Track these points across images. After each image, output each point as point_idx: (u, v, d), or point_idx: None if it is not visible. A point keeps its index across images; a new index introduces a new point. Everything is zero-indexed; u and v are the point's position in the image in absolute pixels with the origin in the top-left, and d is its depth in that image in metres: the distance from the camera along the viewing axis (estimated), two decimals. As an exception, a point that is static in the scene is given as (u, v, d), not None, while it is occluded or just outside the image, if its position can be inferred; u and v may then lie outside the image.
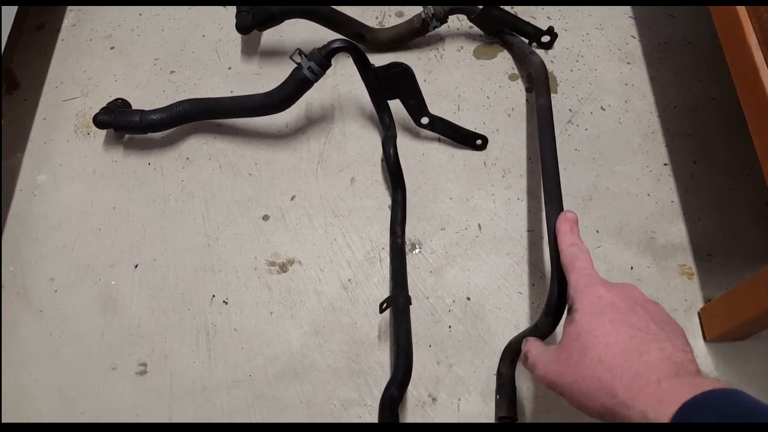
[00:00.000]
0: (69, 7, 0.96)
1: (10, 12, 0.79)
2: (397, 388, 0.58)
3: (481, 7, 0.84)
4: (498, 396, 0.65)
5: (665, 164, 0.80)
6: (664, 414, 0.35)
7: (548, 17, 0.93)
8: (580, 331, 0.44)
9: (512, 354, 0.65)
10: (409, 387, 0.63)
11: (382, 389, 0.60)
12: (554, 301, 0.56)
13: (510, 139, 0.82)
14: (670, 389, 0.37)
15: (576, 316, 0.46)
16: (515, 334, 0.66)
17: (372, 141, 0.83)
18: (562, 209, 0.62)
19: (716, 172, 0.80)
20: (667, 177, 0.79)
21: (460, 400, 0.66)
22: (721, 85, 0.86)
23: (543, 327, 0.58)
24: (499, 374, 0.66)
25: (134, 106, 0.83)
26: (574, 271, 0.50)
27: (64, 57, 0.91)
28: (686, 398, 0.35)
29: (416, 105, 0.77)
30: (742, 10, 0.61)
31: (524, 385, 0.66)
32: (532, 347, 0.51)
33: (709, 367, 0.67)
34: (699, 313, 0.70)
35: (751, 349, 0.68)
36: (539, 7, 0.94)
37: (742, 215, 0.76)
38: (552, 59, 0.89)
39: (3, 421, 0.66)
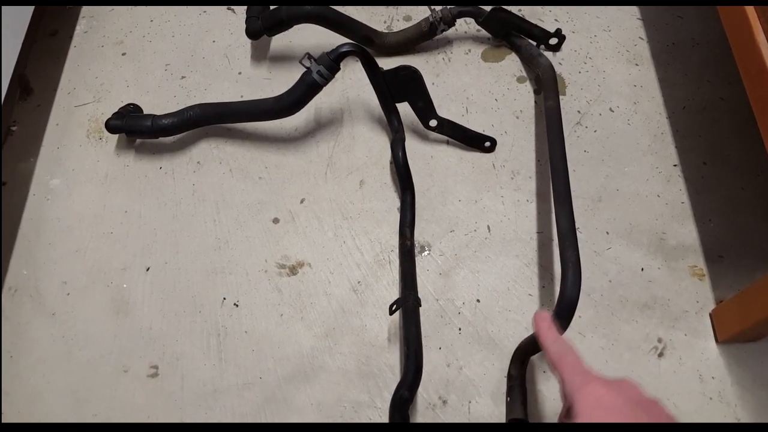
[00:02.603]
0: (81, 14, 0.97)
1: (25, 15, 0.80)
2: (407, 389, 0.58)
3: (489, 9, 0.84)
4: (509, 398, 0.65)
5: (675, 165, 0.80)
6: None
7: (556, 20, 0.93)
8: None
9: (523, 356, 0.65)
10: (420, 389, 0.63)
11: (392, 391, 0.61)
12: (564, 302, 0.56)
13: (518, 141, 0.82)
14: None
15: (577, 420, 0.43)
16: (525, 336, 0.66)
17: (381, 144, 0.83)
18: (571, 211, 0.62)
19: (726, 173, 0.79)
20: (677, 178, 0.79)
21: (470, 402, 0.66)
22: (730, 86, 0.86)
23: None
24: (509, 376, 0.66)
25: (145, 111, 0.84)
26: (565, 367, 0.48)
27: (76, 63, 0.92)
28: None
29: (425, 108, 0.77)
30: (750, 9, 0.61)
31: (535, 387, 0.66)
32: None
33: (721, 369, 0.67)
34: (710, 315, 0.70)
35: (764, 351, 0.67)
36: (546, 10, 0.94)
37: (753, 216, 0.76)
38: (560, 61, 0.89)
39: (16, 421, 0.67)
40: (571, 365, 0.47)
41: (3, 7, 0.74)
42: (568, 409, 0.46)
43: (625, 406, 0.43)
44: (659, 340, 0.69)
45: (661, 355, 0.68)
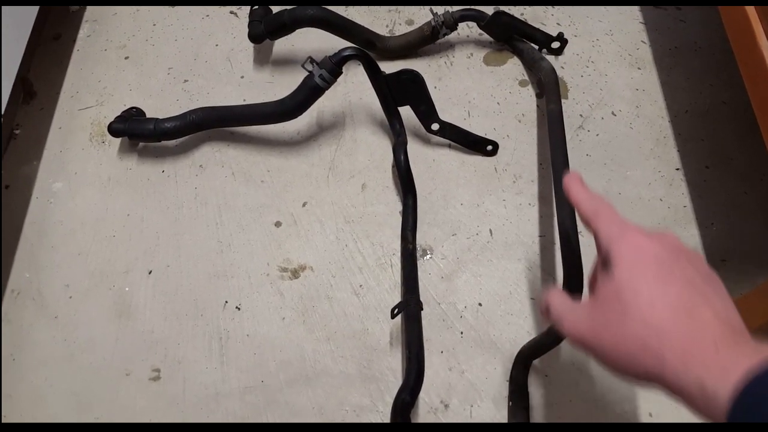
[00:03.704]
0: (84, 18, 0.97)
1: (28, 19, 0.81)
2: (409, 393, 0.58)
3: (491, 12, 0.85)
4: (511, 402, 0.65)
5: (677, 169, 0.80)
6: (725, 384, 0.32)
7: (558, 23, 0.93)
8: (619, 287, 0.39)
9: (525, 360, 0.65)
10: (421, 393, 0.63)
11: (394, 395, 0.61)
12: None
13: (521, 145, 0.82)
14: (731, 357, 0.33)
15: (615, 271, 0.40)
16: (528, 340, 0.66)
17: (383, 147, 0.83)
18: (574, 214, 0.62)
19: (729, 177, 0.79)
20: (680, 182, 0.79)
21: (472, 406, 0.66)
22: (732, 89, 0.86)
23: (556, 333, 0.58)
24: (511, 380, 0.66)
25: (148, 115, 0.84)
26: (601, 219, 0.43)
27: (79, 67, 0.92)
28: (749, 365, 0.31)
29: (427, 111, 0.77)
30: (751, 10, 0.61)
31: (537, 392, 0.66)
32: (554, 298, 0.45)
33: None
34: (713, 319, 0.70)
35: (767, 355, 0.67)
36: (549, 14, 0.94)
37: (755, 219, 0.76)
38: (562, 65, 0.89)
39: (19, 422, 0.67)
40: (607, 216, 0.43)
41: (7, 10, 0.74)
42: (603, 261, 0.42)
43: (667, 254, 0.40)
44: (662, 345, 0.69)
45: (663, 359, 0.68)
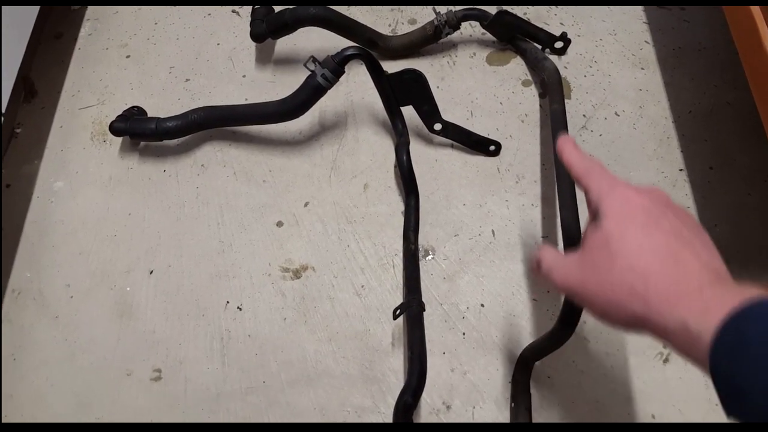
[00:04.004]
0: (86, 17, 0.97)
1: (29, 17, 0.81)
2: (411, 394, 0.58)
3: (494, 12, 0.84)
4: (513, 404, 0.64)
5: (681, 170, 0.80)
6: (707, 325, 0.33)
7: (561, 23, 0.93)
8: (607, 236, 0.40)
9: (527, 361, 0.65)
10: (423, 395, 0.63)
11: (396, 396, 0.60)
12: (570, 308, 0.56)
13: (524, 145, 0.82)
14: (714, 298, 0.34)
15: (603, 221, 0.41)
16: (530, 342, 0.66)
17: (385, 147, 0.83)
18: (577, 215, 0.62)
19: (733, 178, 0.79)
20: (683, 183, 0.79)
21: (474, 407, 0.66)
22: (736, 90, 0.86)
23: (559, 334, 0.57)
24: (514, 382, 0.66)
25: (150, 114, 0.84)
26: (592, 176, 0.45)
27: (80, 65, 0.92)
28: (731, 306, 0.32)
29: (429, 111, 0.77)
30: (756, 11, 0.60)
31: (539, 393, 0.66)
32: (546, 252, 0.46)
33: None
34: (717, 321, 0.69)
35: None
36: (552, 14, 0.94)
37: (759, 221, 0.75)
38: (565, 65, 0.89)
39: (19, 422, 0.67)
40: (598, 173, 0.45)
41: (8, 9, 0.74)
42: (593, 216, 0.43)
43: (655, 207, 0.41)
44: (664, 346, 0.68)
45: (666, 361, 0.68)
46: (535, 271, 0.47)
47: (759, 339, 0.30)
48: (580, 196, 0.64)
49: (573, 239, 0.59)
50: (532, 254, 0.47)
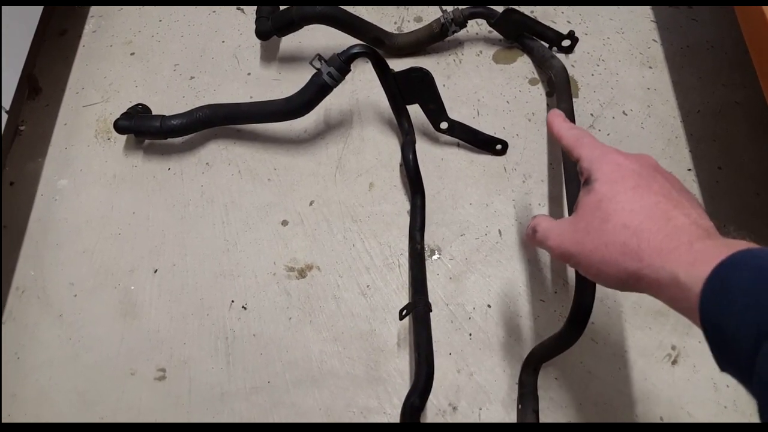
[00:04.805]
0: (90, 14, 0.97)
1: (34, 15, 0.80)
2: (418, 396, 0.58)
3: (501, 10, 0.84)
4: (520, 405, 0.64)
5: (689, 169, 0.79)
6: (697, 275, 0.34)
7: (568, 21, 0.92)
8: (600, 198, 0.42)
9: (534, 362, 0.65)
10: (429, 396, 0.62)
11: (402, 397, 0.60)
12: (578, 308, 0.55)
13: (530, 144, 0.81)
14: (704, 250, 0.35)
15: (595, 185, 0.43)
16: (537, 343, 0.65)
17: (391, 146, 0.82)
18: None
19: (741, 178, 0.78)
20: (691, 182, 0.78)
21: (481, 409, 0.65)
22: (745, 90, 0.85)
23: (567, 336, 0.57)
24: (521, 383, 0.65)
25: (154, 112, 0.84)
26: (583, 146, 0.46)
27: (85, 63, 0.92)
28: (720, 258, 0.33)
29: (435, 110, 0.76)
30: (768, 10, 0.60)
31: (547, 395, 0.65)
32: (541, 220, 0.48)
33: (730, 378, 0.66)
34: (725, 322, 0.69)
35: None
36: (559, 12, 0.93)
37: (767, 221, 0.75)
38: (573, 63, 0.88)
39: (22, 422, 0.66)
40: (589, 142, 0.47)
41: (13, 6, 0.74)
42: (585, 181, 0.45)
43: (644, 170, 0.43)
44: (673, 348, 0.68)
45: (674, 362, 0.67)
46: (530, 238, 0.48)
47: (742, 284, 0.31)
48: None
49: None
50: (527, 223, 0.48)
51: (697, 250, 0.36)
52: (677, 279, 0.35)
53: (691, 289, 0.34)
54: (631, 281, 0.39)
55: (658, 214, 0.39)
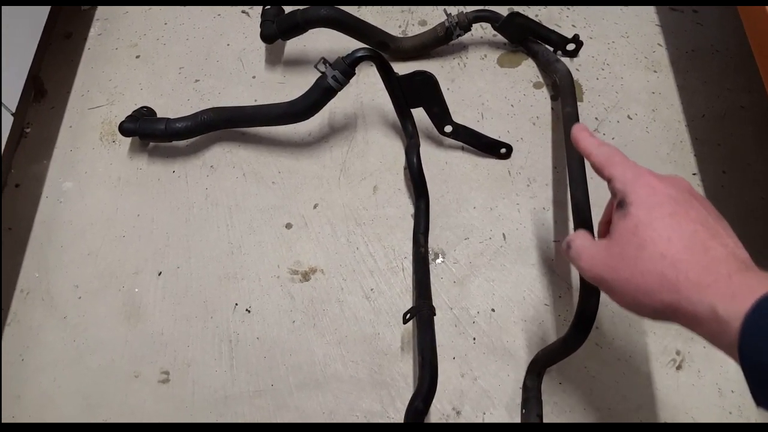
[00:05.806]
0: (96, 17, 0.97)
1: (40, 18, 0.81)
2: (422, 400, 0.57)
3: (506, 14, 0.84)
4: (524, 410, 0.64)
5: (694, 174, 0.79)
6: (737, 310, 0.33)
7: (573, 25, 0.92)
8: (636, 224, 0.41)
9: (539, 367, 0.64)
10: (433, 400, 0.62)
11: (405, 401, 0.60)
12: (583, 313, 0.55)
13: (535, 148, 0.81)
14: (742, 284, 0.35)
15: (631, 209, 0.42)
16: (542, 347, 0.65)
17: (395, 149, 0.82)
18: (590, 219, 0.61)
19: (746, 182, 0.78)
20: (697, 187, 0.78)
21: (485, 413, 0.65)
22: (749, 94, 0.85)
23: (571, 340, 0.57)
24: (525, 388, 0.65)
25: (159, 115, 0.84)
26: (615, 165, 0.45)
27: (90, 65, 0.92)
28: (761, 293, 0.33)
29: (440, 113, 0.76)
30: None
31: (550, 399, 0.65)
32: (578, 237, 0.46)
33: (740, 382, 0.65)
34: (731, 327, 0.69)
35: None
36: (564, 15, 0.93)
37: (774, 227, 0.75)
38: (577, 67, 0.88)
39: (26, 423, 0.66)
40: (621, 162, 0.46)
41: (20, 8, 0.74)
42: (618, 204, 0.44)
43: (681, 195, 0.42)
44: (677, 353, 0.68)
45: (679, 367, 0.67)
46: (565, 253, 0.47)
47: None
48: (593, 200, 0.63)
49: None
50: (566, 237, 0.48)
51: (736, 283, 0.35)
52: (716, 313, 0.35)
53: (729, 324, 0.34)
54: (667, 312, 0.38)
55: (696, 244, 0.38)
